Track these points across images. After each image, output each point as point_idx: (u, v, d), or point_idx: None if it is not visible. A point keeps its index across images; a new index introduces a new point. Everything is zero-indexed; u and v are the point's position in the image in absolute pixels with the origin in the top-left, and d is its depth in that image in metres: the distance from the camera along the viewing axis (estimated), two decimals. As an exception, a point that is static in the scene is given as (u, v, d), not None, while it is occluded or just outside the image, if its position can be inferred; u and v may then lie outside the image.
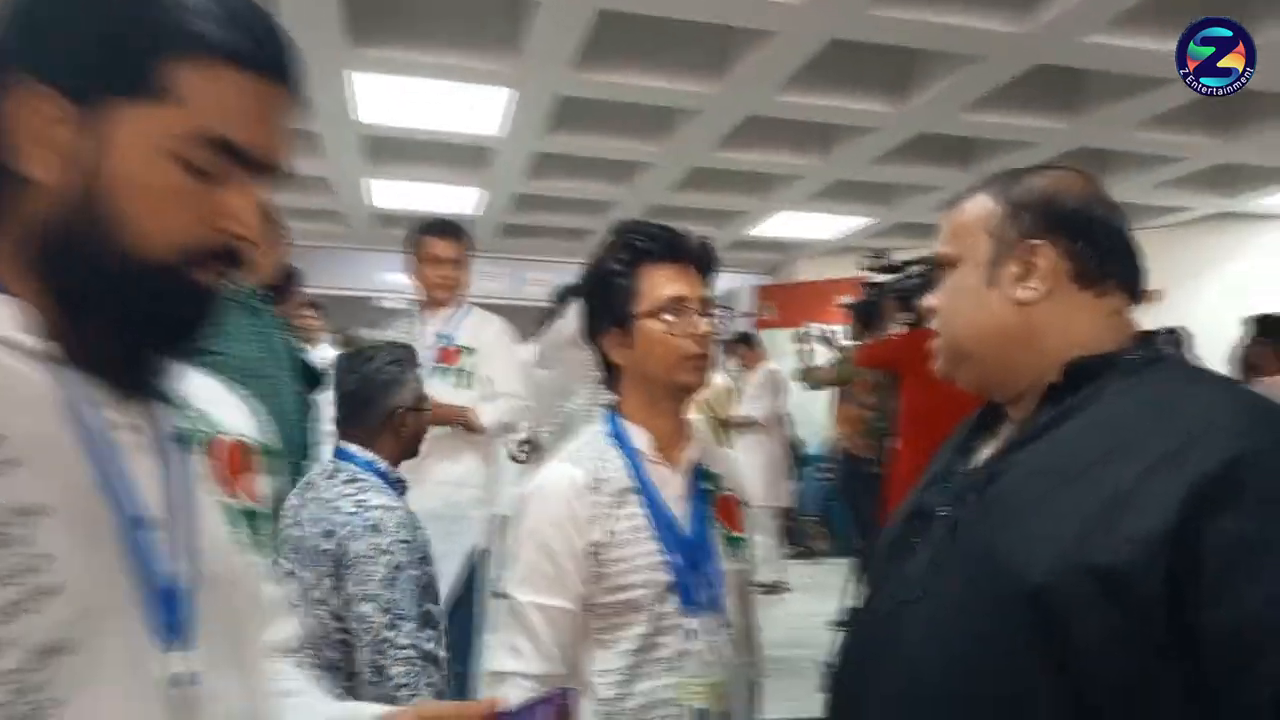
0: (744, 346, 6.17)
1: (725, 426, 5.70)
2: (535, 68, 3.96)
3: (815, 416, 6.18)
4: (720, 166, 5.51)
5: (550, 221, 7.08)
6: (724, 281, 9.52)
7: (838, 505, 7.21)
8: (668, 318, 1.24)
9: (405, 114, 4.72)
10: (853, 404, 4.88)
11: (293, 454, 2.50)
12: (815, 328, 4.63)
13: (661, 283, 1.26)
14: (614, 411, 1.32)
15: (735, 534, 1.30)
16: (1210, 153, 5.01)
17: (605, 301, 1.29)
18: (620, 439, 1.28)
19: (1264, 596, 0.70)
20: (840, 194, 6.12)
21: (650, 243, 1.27)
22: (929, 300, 1.03)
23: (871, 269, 3.83)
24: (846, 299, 4.70)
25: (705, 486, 1.30)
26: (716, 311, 1.29)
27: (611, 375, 1.33)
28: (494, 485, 2.95)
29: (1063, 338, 0.91)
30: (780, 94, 4.26)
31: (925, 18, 3.41)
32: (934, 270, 1.04)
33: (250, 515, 0.73)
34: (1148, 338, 0.92)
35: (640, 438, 1.27)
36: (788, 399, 5.99)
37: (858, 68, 4.31)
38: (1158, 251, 5.07)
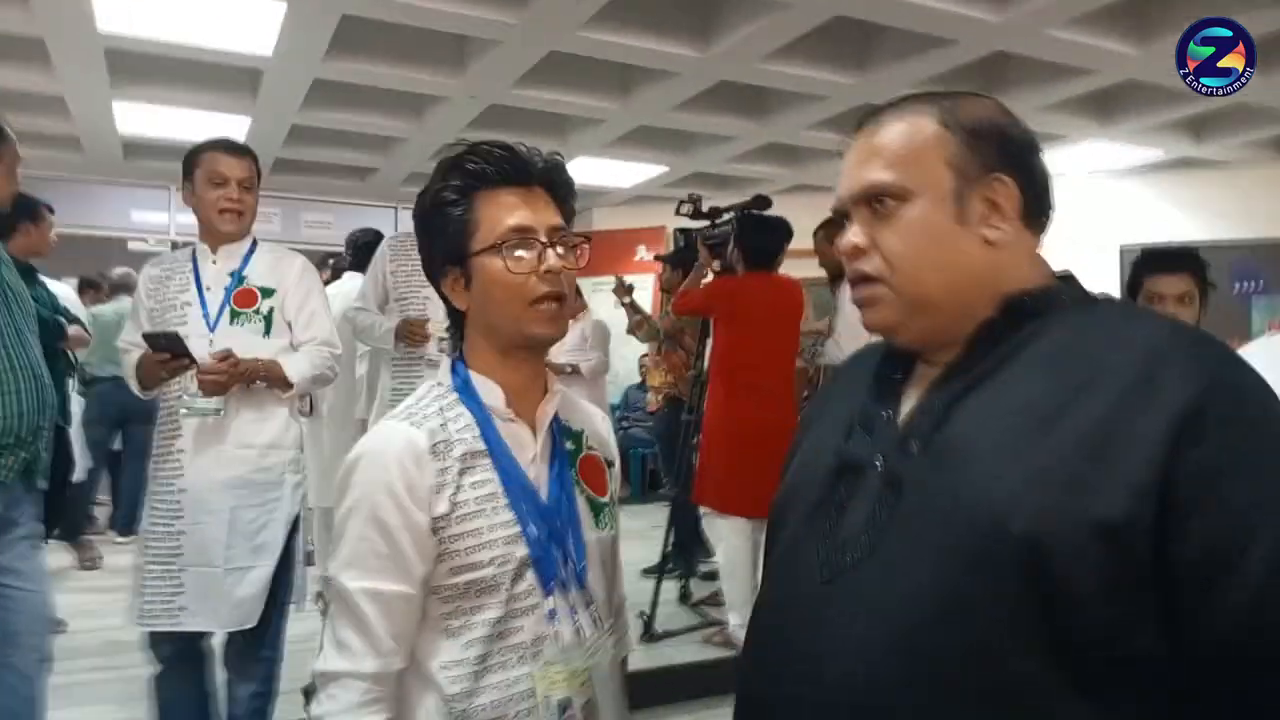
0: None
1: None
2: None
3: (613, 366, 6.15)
4: (517, 105, 5.26)
5: (329, 157, 6.51)
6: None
7: (635, 453, 7.33)
8: (511, 253, 1.06)
9: (156, 24, 4.09)
10: (679, 352, 4.90)
11: (45, 415, 2.08)
12: (625, 278, 4.54)
13: (501, 212, 1.07)
14: (459, 361, 1.13)
15: (600, 498, 1.15)
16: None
17: (438, 237, 1.10)
18: (467, 394, 1.09)
19: (1222, 523, 0.68)
20: (639, 140, 6.05)
21: (485, 165, 1.07)
22: (855, 239, 0.89)
23: (688, 215, 3.78)
24: (659, 252, 4.65)
25: (567, 446, 1.15)
26: (573, 242, 1.11)
27: (455, 321, 1.14)
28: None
29: (1014, 280, 0.84)
30: (583, 29, 4.08)
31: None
32: (863, 201, 0.88)
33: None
34: (1059, 274, 0.88)
35: (490, 392, 1.09)
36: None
37: (662, 8, 4.22)
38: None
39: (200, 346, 2.20)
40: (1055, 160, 6.19)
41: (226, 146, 2.33)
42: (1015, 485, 0.72)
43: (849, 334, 3.59)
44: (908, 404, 0.87)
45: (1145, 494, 0.68)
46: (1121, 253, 6.57)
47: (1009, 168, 0.84)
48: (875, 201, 0.87)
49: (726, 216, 3.71)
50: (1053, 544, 0.69)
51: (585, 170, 6.71)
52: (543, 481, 1.10)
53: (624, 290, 4.39)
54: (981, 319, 0.84)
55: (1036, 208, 0.86)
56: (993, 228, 0.84)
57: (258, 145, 5.99)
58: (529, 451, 1.10)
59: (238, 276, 2.31)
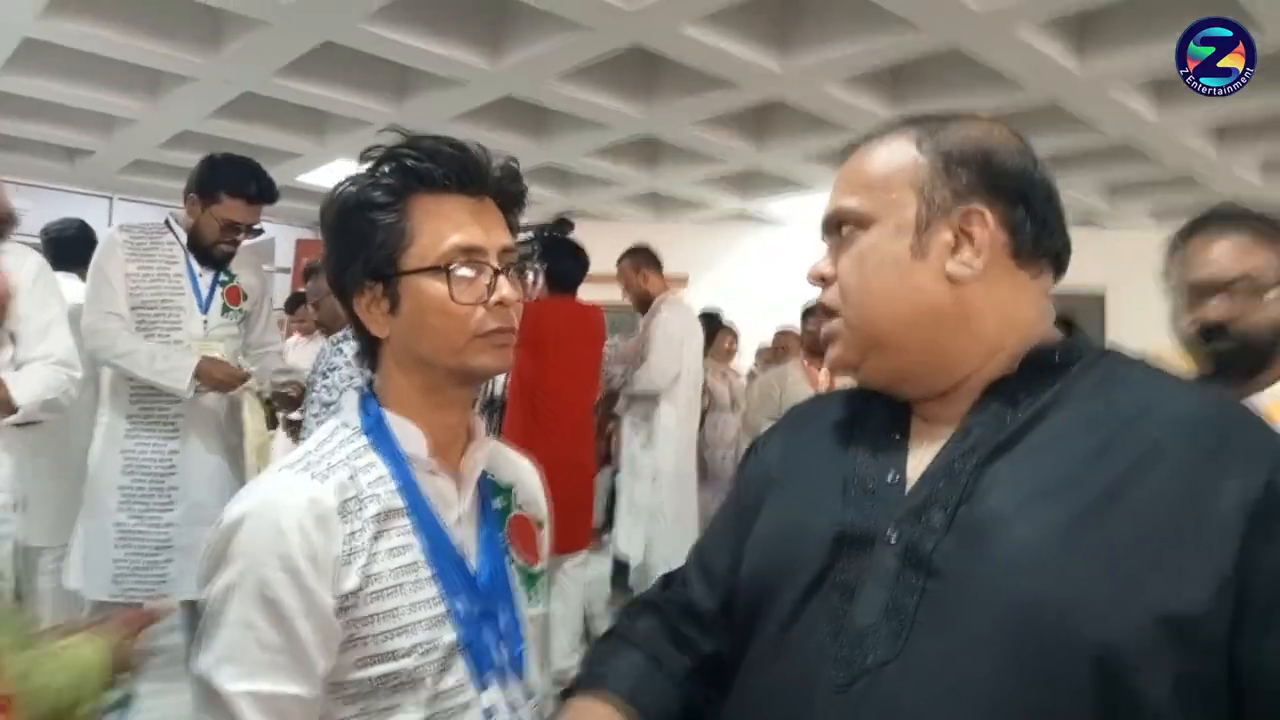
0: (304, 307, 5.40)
1: (271, 405, 4.92)
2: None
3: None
4: (276, 95, 4.76)
5: (33, 133, 5.53)
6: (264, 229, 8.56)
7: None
8: (456, 278, 0.86)
9: None
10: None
11: None
12: None
13: (445, 225, 0.87)
14: (372, 397, 0.91)
15: (533, 567, 0.96)
16: (745, 155, 5.62)
17: (359, 244, 0.88)
18: (381, 438, 0.88)
19: None
20: (408, 149, 5.71)
21: (431, 164, 0.88)
22: (822, 268, 0.81)
23: None
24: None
25: (495, 504, 0.95)
26: (525, 268, 0.94)
27: (369, 347, 0.92)
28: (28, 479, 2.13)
29: (1000, 322, 0.76)
30: (366, 21, 3.76)
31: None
32: (833, 228, 0.82)
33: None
34: (1068, 324, 0.82)
35: (411, 438, 0.88)
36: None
37: (455, 12, 4.00)
38: (691, 240, 5.63)
39: None
40: (801, 205, 6.66)
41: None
42: (1079, 579, 0.64)
43: (661, 363, 3.59)
44: (914, 465, 0.77)
45: (1218, 584, 0.62)
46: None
47: (992, 198, 0.76)
48: (841, 228, 0.80)
49: (523, 237, 3.55)
50: (1128, 646, 0.61)
51: (342, 174, 6.24)
52: (470, 547, 0.90)
53: None
54: (973, 368, 0.76)
55: (1035, 245, 0.77)
56: (961, 263, 0.75)
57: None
58: (454, 510, 0.89)
59: None
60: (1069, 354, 0.77)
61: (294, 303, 5.23)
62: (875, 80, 4.39)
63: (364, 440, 0.88)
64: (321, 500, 0.80)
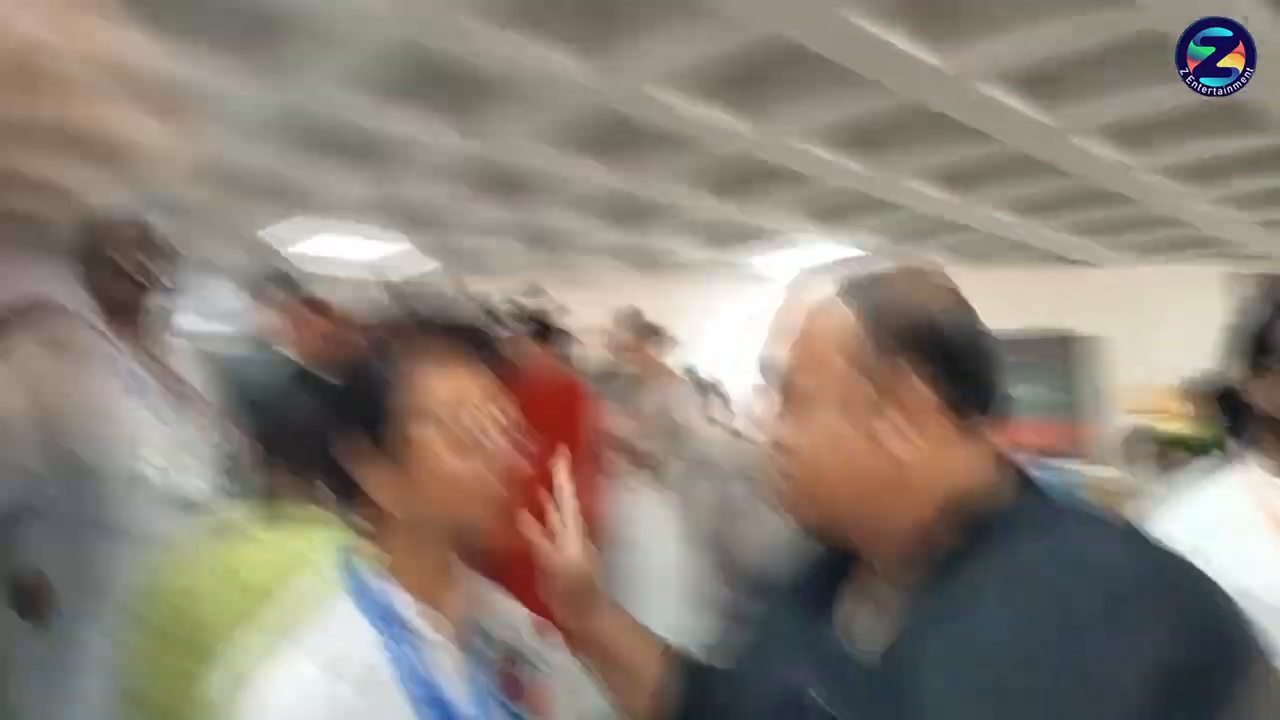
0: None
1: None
2: None
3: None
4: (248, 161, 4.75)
5: None
6: (228, 293, 8.49)
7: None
8: (449, 430, 0.89)
9: None
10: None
11: None
12: None
13: (439, 381, 0.90)
14: (352, 558, 0.90)
15: (524, 714, 0.94)
16: (724, 211, 5.64)
17: (358, 405, 0.90)
18: (366, 601, 0.86)
19: None
20: (382, 211, 5.71)
21: (426, 330, 0.92)
22: (783, 435, 0.83)
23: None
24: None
25: (484, 650, 0.92)
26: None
27: (346, 494, 0.91)
28: None
29: (941, 482, 0.77)
30: (336, 91, 3.76)
31: (494, 44, 3.25)
32: (778, 393, 0.84)
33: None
34: (1012, 466, 0.80)
35: (396, 595, 0.87)
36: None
37: (432, 83, 4.00)
38: (675, 296, 5.62)
39: None
40: (786, 259, 6.69)
41: None
42: None
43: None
44: (850, 625, 0.78)
45: None
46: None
47: (921, 361, 0.77)
48: (791, 392, 0.82)
49: (501, 307, 3.52)
50: None
51: (317, 244, 6.22)
52: (459, 697, 0.87)
53: None
54: (924, 527, 0.76)
55: (969, 401, 0.78)
56: (904, 439, 0.76)
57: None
58: (442, 661, 0.87)
59: None
60: (996, 510, 0.76)
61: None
62: (845, 137, 4.42)
63: (349, 603, 0.88)
64: (347, 703, 0.80)
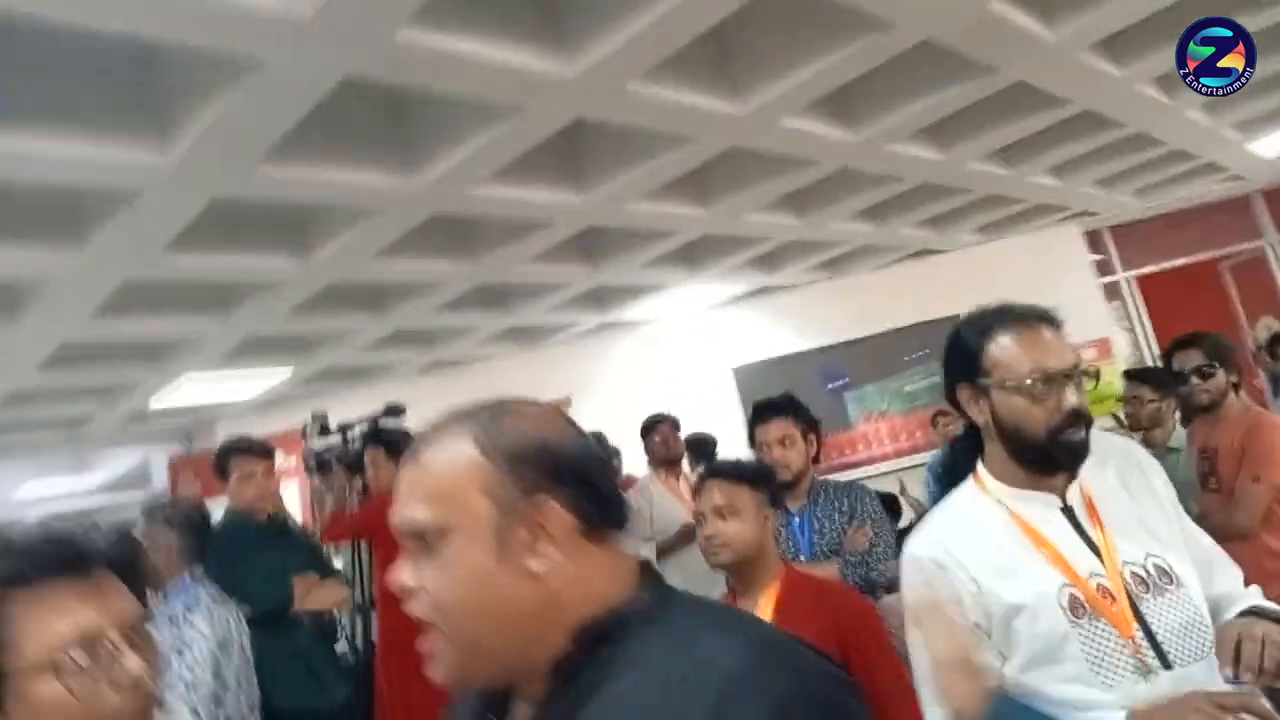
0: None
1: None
2: None
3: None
4: (95, 339, 4.66)
5: None
6: (128, 457, 8.24)
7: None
8: (71, 676, 0.82)
9: None
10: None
11: None
12: None
13: (51, 618, 0.83)
14: None
15: None
16: (585, 278, 5.73)
17: None
18: None
19: None
20: (254, 350, 5.64)
21: (21, 563, 0.84)
22: (405, 579, 0.82)
23: (311, 436, 3.52)
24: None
25: None
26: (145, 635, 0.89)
27: None
28: None
29: (584, 601, 0.79)
30: (159, 257, 3.73)
31: (314, 175, 3.29)
32: (411, 536, 0.82)
33: None
34: (648, 573, 0.85)
35: None
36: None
37: (252, 225, 4.01)
38: (563, 361, 5.67)
39: None
40: (659, 304, 6.81)
41: None
42: None
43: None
44: None
45: None
46: (735, 373, 7.32)
47: (554, 486, 0.80)
48: (419, 537, 0.80)
49: (358, 430, 3.51)
50: None
51: (196, 389, 6.12)
52: None
53: None
54: (555, 649, 0.78)
55: (601, 518, 0.81)
56: (538, 557, 0.78)
57: None
58: None
59: None
60: (614, 622, 0.78)
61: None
62: (679, 187, 4.55)
63: None
64: None
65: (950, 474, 1.52)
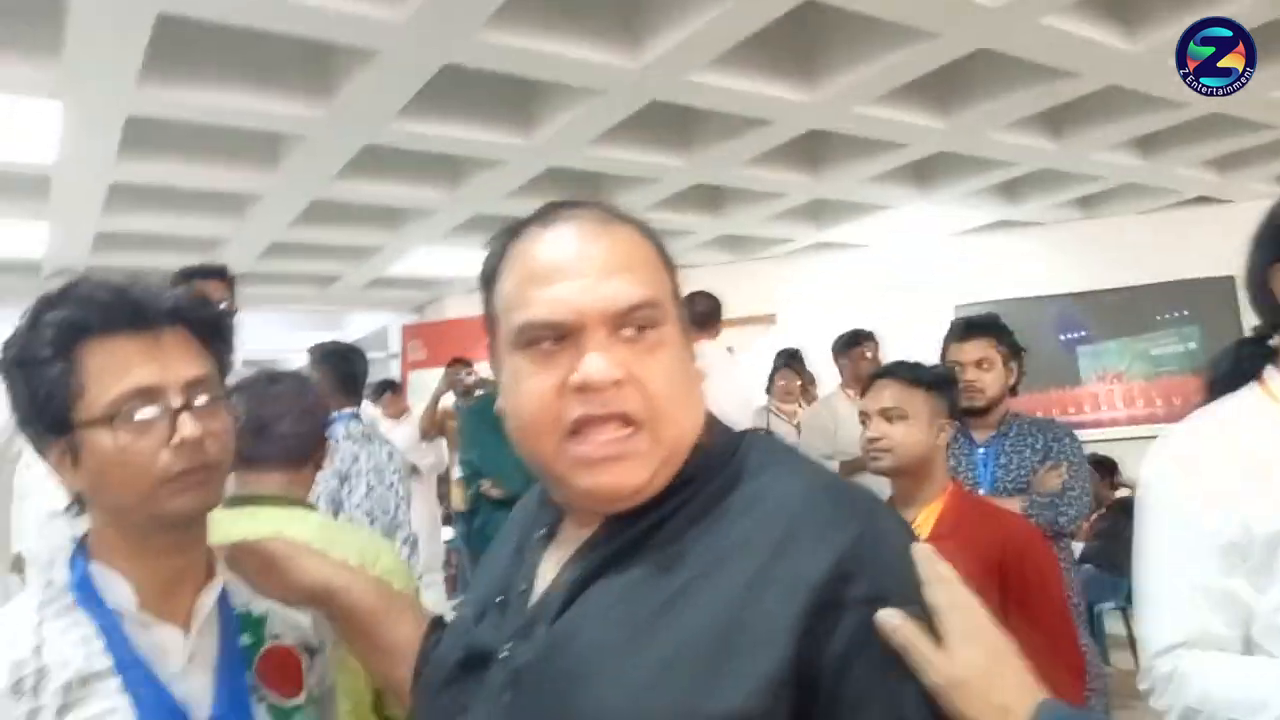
0: (390, 394, 5.71)
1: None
2: (85, 77, 3.27)
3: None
4: (341, 199, 5.06)
5: (146, 261, 6.09)
6: (370, 320, 9.03)
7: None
8: (128, 425, 0.83)
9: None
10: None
11: None
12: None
13: (114, 369, 0.84)
14: (81, 551, 0.89)
15: (287, 702, 0.92)
16: (804, 188, 5.49)
17: (32, 402, 0.85)
18: (86, 595, 0.85)
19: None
20: (478, 228, 5.92)
21: (87, 309, 0.84)
22: (612, 370, 0.69)
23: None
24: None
25: (242, 641, 0.92)
26: (217, 394, 0.89)
27: (77, 498, 0.90)
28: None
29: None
30: (395, 121, 3.95)
31: (538, 46, 3.31)
32: (617, 322, 0.71)
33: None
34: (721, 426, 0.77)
35: (116, 590, 0.86)
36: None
37: (478, 97, 4.14)
38: (773, 277, 5.51)
39: None
40: (881, 226, 6.43)
41: None
42: (630, 686, 0.60)
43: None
44: (546, 573, 0.74)
45: (779, 683, 0.58)
46: (956, 311, 6.81)
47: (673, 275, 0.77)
48: (628, 323, 0.69)
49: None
50: None
51: (426, 260, 6.54)
52: (203, 697, 0.86)
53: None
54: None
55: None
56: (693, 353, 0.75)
57: (61, 254, 5.61)
58: (177, 659, 0.86)
59: None
60: (712, 451, 0.72)
61: (379, 390, 5.51)
62: (918, 90, 4.20)
63: (68, 599, 0.86)
64: None
65: (1226, 380, 1.26)
